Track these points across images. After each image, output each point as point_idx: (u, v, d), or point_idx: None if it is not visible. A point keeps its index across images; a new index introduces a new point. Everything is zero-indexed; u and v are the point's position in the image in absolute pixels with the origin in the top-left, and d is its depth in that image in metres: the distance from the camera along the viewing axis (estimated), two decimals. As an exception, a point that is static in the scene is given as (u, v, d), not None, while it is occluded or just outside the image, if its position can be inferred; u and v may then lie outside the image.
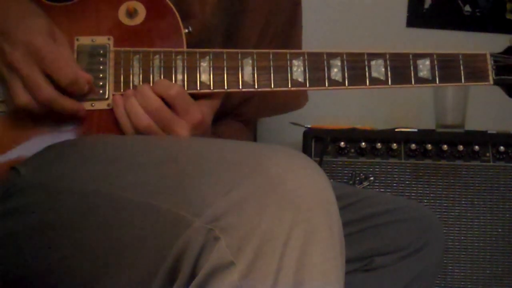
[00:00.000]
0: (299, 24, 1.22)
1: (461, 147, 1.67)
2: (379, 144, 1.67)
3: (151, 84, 0.94)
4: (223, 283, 0.64)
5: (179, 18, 0.98)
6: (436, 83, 0.99)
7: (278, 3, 1.16)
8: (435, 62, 0.99)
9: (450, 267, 1.66)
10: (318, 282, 0.65)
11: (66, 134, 0.94)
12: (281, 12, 1.18)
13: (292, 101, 1.23)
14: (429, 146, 1.67)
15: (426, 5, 2.18)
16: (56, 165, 0.87)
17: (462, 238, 1.67)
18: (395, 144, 1.68)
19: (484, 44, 2.13)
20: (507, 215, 1.67)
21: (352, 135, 1.70)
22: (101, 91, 0.95)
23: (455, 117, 1.77)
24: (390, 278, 1.07)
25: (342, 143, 1.68)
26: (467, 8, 2.20)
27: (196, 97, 0.97)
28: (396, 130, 1.75)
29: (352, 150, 1.69)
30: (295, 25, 1.21)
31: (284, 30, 1.19)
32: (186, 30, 0.98)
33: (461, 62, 1.00)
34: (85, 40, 0.96)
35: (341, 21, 2.15)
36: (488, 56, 1.01)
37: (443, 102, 1.77)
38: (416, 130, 1.75)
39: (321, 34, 2.09)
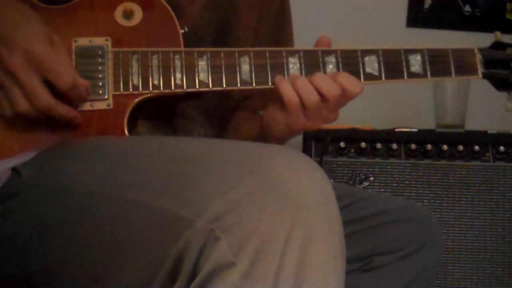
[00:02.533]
0: (289, 17, 1.23)
1: (461, 147, 1.67)
2: (379, 144, 1.67)
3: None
4: (224, 283, 0.64)
5: (175, 19, 0.99)
6: (427, 77, 1.01)
7: (266, 2, 1.17)
8: (426, 57, 1.01)
9: (450, 267, 1.66)
10: (319, 282, 0.65)
11: (67, 136, 0.94)
12: (271, 7, 1.18)
13: None
14: (429, 146, 1.67)
15: (426, 5, 2.19)
16: (56, 166, 0.87)
17: (462, 238, 1.67)
18: (395, 144, 1.68)
19: (484, 44, 2.14)
20: (507, 215, 1.67)
21: (352, 135, 1.70)
22: (100, 92, 0.95)
23: (455, 117, 1.77)
24: (390, 278, 1.08)
25: (342, 143, 1.68)
26: (467, 8, 2.20)
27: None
28: (396, 130, 1.75)
29: (352, 150, 1.69)
30: (285, 18, 1.22)
31: (276, 25, 1.19)
32: (183, 31, 0.99)
33: (450, 56, 1.02)
34: (83, 41, 0.96)
35: (341, 21, 2.15)
36: (476, 51, 1.03)
37: (443, 102, 1.77)
38: (416, 130, 1.75)
39: (321, 34, 2.08)
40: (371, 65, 1.00)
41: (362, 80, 1.00)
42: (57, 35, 0.91)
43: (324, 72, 0.99)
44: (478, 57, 1.03)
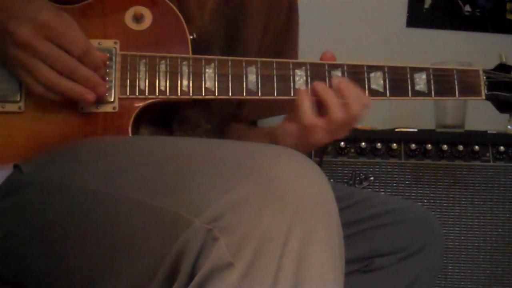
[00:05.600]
0: (295, 30, 1.22)
1: (461, 147, 1.67)
2: (379, 144, 1.67)
3: None
4: (222, 283, 0.64)
5: (185, 25, 0.99)
6: (431, 96, 1.02)
7: (275, 10, 1.17)
8: (431, 76, 1.02)
9: (450, 267, 1.66)
10: (317, 283, 0.65)
11: (72, 136, 0.94)
12: (278, 18, 1.18)
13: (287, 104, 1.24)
14: (429, 146, 1.67)
15: (426, 5, 2.18)
16: (58, 164, 0.87)
17: (462, 238, 1.67)
18: (395, 144, 1.68)
19: (484, 44, 2.14)
20: (507, 215, 1.67)
21: (352, 135, 1.69)
22: (106, 94, 0.95)
23: (455, 117, 1.77)
24: (390, 279, 1.08)
25: (342, 143, 1.68)
26: (467, 8, 2.20)
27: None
28: (396, 130, 1.75)
29: (352, 150, 1.69)
30: (291, 31, 1.21)
31: (280, 37, 1.19)
32: (191, 37, 0.99)
33: (455, 77, 1.03)
34: (91, 43, 0.96)
35: (342, 21, 2.15)
36: (481, 72, 1.04)
37: (443, 103, 1.77)
38: (416, 130, 1.75)
39: (321, 34, 2.08)
40: (377, 81, 1.01)
41: (367, 95, 1.01)
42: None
43: (330, 86, 0.99)
44: (483, 78, 1.04)
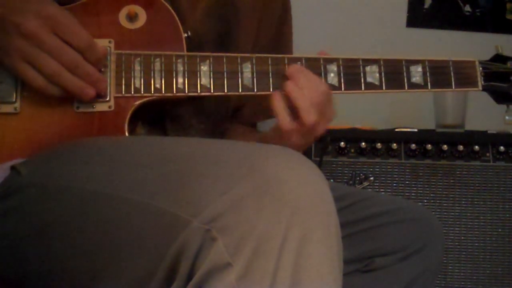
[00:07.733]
0: (289, 32, 1.22)
1: (461, 147, 1.67)
2: (379, 144, 1.67)
3: None
4: (220, 284, 0.64)
5: (179, 22, 0.99)
6: (428, 88, 1.03)
7: (268, 10, 1.17)
8: (427, 68, 1.03)
9: (450, 267, 1.66)
10: (315, 283, 0.65)
11: (68, 136, 0.94)
12: (271, 19, 1.18)
13: None
14: (429, 146, 1.67)
15: (426, 5, 2.18)
16: (56, 165, 0.87)
17: (462, 238, 1.67)
18: (395, 144, 1.68)
19: (484, 44, 2.14)
20: (507, 215, 1.67)
21: (352, 135, 1.70)
22: (102, 93, 0.95)
23: (455, 117, 1.77)
24: (390, 279, 1.07)
25: (342, 143, 1.68)
26: (467, 8, 2.20)
27: None
28: (396, 130, 1.76)
29: (352, 150, 1.69)
30: (285, 34, 1.21)
31: (274, 38, 1.19)
32: (186, 35, 0.99)
33: (451, 68, 1.03)
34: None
35: (341, 21, 2.15)
36: (477, 63, 1.05)
37: (443, 102, 1.77)
38: (416, 130, 1.75)
39: (321, 34, 2.09)
40: (372, 74, 1.01)
41: (363, 89, 1.01)
42: None
43: (326, 80, 0.99)
44: (479, 69, 1.04)
